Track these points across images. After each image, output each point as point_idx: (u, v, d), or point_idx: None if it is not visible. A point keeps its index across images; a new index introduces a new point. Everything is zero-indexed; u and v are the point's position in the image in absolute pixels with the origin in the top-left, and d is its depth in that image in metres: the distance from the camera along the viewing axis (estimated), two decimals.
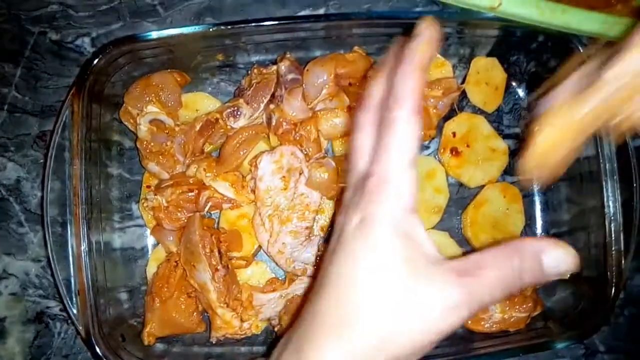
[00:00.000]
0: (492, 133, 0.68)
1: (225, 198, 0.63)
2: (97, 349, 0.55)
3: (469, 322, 0.63)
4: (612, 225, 0.60)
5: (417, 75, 0.34)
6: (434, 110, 0.66)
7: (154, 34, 0.58)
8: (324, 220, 0.65)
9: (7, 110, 0.67)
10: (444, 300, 0.30)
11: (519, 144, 0.71)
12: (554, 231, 0.69)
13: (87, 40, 0.68)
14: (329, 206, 0.65)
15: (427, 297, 0.30)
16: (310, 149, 0.64)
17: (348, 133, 0.65)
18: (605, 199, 0.60)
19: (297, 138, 0.64)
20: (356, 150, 0.37)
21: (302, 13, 0.70)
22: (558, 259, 0.33)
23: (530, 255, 0.32)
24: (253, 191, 0.63)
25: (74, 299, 0.56)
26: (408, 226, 0.32)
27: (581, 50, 0.62)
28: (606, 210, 0.60)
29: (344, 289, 0.32)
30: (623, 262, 0.60)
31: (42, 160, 0.67)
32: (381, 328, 0.30)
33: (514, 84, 0.71)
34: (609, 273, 0.60)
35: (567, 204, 0.68)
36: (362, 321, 0.31)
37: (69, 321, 0.65)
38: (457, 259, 0.32)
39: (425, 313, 0.30)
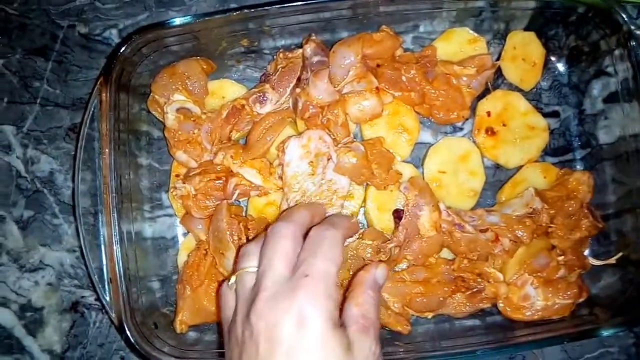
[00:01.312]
0: (530, 109, 0.64)
1: (253, 185, 0.62)
2: (130, 337, 0.56)
3: (508, 310, 0.61)
4: None
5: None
6: (468, 89, 0.63)
7: (178, 21, 0.58)
8: (353, 206, 0.64)
9: (40, 103, 0.68)
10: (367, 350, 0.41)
11: (560, 122, 0.67)
12: (600, 213, 0.65)
13: (114, 32, 0.69)
14: (358, 192, 0.64)
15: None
16: (339, 133, 0.62)
17: (377, 116, 0.64)
18: None
19: (325, 122, 0.62)
20: (280, 255, 0.43)
21: None
22: (381, 274, 0.47)
23: (371, 281, 0.46)
24: (281, 177, 0.62)
25: (107, 287, 0.56)
26: (337, 319, 0.40)
27: (626, 21, 0.58)
28: None
29: None
30: None
31: (74, 152, 0.68)
32: None
33: (552, 59, 0.67)
34: None
35: (613, 184, 0.64)
36: None
37: (104, 310, 0.66)
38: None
39: None
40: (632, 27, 0.58)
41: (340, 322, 0.41)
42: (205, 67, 0.64)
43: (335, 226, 0.46)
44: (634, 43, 0.57)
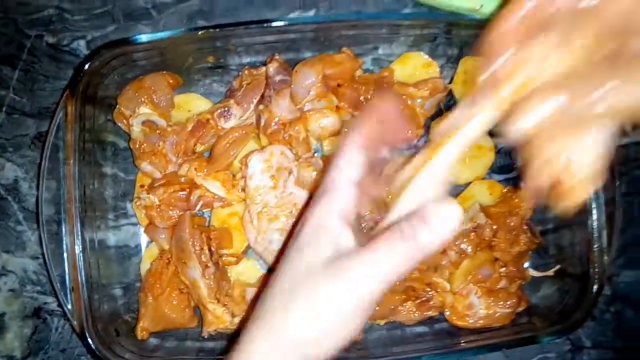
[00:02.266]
0: None
1: (216, 197, 0.65)
2: (91, 344, 0.57)
3: (454, 318, 0.65)
4: (595, 223, 0.61)
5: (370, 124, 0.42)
6: (421, 110, 0.67)
7: (145, 37, 0.60)
8: None
9: (5, 112, 0.69)
10: (356, 279, 0.36)
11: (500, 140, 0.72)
12: (540, 228, 0.70)
13: (82, 43, 0.70)
14: None
15: (350, 274, 0.36)
16: (300, 149, 0.65)
17: (337, 133, 0.67)
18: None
19: (287, 138, 0.65)
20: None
21: (292, 15, 0.71)
22: (442, 215, 0.36)
23: (418, 219, 0.36)
24: (243, 189, 0.65)
25: (69, 295, 0.58)
26: (331, 224, 0.38)
27: None
28: (588, 208, 0.61)
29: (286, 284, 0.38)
30: (606, 258, 0.61)
31: (39, 161, 0.68)
32: (312, 309, 0.36)
33: None
34: (591, 269, 0.61)
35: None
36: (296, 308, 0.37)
37: (66, 317, 0.67)
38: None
39: (352, 286, 0.36)
40: None
41: None
42: (171, 81, 0.66)
43: None
44: None
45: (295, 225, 0.56)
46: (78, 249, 0.58)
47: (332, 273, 0.37)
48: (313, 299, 0.37)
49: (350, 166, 0.40)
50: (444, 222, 0.36)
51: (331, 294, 0.36)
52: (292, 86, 0.63)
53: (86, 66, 0.59)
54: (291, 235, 0.42)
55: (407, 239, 0.36)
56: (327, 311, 0.36)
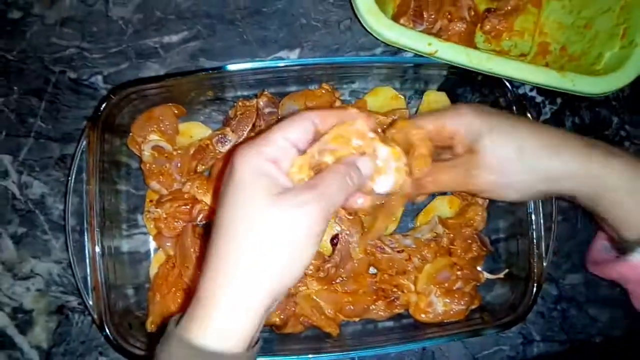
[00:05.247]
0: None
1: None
2: (109, 334, 0.67)
3: (417, 314, 0.75)
4: (534, 233, 0.72)
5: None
6: None
7: (155, 78, 0.71)
8: None
9: (33, 137, 0.80)
10: (302, 202, 0.40)
11: None
12: (494, 237, 0.81)
13: (100, 78, 0.81)
14: None
15: (292, 206, 0.40)
16: None
17: None
18: (528, 210, 0.72)
19: None
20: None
21: (280, 53, 0.83)
22: (365, 165, 0.47)
23: (352, 166, 0.45)
24: None
25: (90, 293, 0.68)
26: (265, 169, 0.41)
27: (510, 88, 0.74)
28: (529, 219, 0.72)
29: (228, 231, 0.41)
30: (544, 264, 0.72)
31: (62, 179, 0.79)
32: (258, 248, 0.39)
33: None
34: (531, 273, 0.72)
35: (505, 214, 0.80)
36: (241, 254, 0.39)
37: (86, 312, 0.78)
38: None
39: (297, 217, 0.40)
40: (517, 91, 0.74)
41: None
42: (176, 111, 0.77)
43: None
44: (514, 107, 0.74)
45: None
46: (98, 254, 0.68)
47: (279, 204, 0.39)
48: (265, 235, 0.39)
49: (293, 131, 0.44)
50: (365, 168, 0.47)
51: (283, 225, 0.39)
52: (279, 117, 0.74)
53: (104, 103, 0.69)
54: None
55: (345, 179, 0.43)
56: (281, 244, 0.39)
